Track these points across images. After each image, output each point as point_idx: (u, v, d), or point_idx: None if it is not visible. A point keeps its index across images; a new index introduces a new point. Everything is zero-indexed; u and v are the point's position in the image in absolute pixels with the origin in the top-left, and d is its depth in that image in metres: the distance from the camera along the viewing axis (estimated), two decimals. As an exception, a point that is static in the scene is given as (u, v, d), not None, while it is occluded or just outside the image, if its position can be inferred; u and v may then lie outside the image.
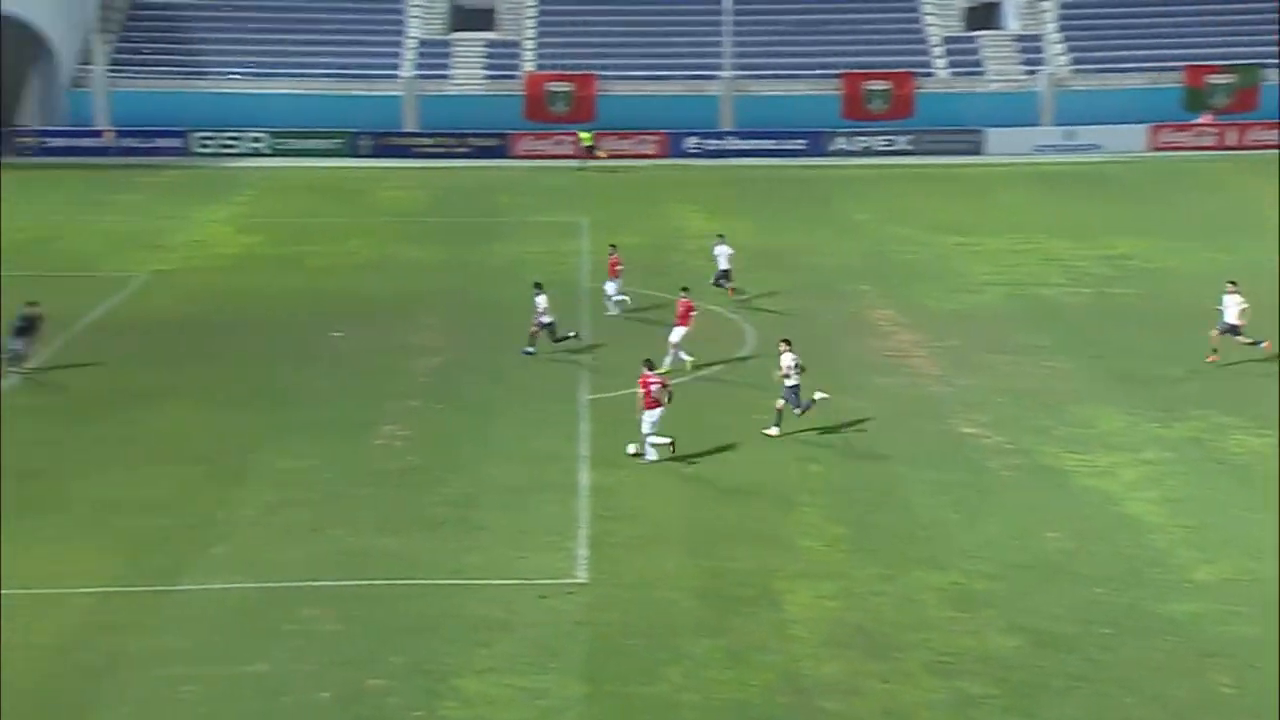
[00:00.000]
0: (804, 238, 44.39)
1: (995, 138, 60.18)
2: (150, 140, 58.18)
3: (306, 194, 51.73)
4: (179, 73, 61.08)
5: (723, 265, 35.84)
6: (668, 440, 24.73)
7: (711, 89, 62.14)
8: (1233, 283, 30.57)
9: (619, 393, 28.60)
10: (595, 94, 61.23)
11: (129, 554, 20.87)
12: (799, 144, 60.20)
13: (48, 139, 58.05)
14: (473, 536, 21.80)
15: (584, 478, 24.24)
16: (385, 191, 52.44)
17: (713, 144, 60.35)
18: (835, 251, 42.40)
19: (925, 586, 20.16)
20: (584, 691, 17.50)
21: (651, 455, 24.77)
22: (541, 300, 30.70)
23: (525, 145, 59.75)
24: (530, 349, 30.75)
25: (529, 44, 64.54)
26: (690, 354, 30.06)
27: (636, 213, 48.27)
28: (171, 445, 25.54)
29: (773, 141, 60.25)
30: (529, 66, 63.13)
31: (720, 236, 37.01)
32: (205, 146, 58.60)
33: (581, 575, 20.48)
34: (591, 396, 28.68)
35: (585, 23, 65.75)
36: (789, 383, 25.99)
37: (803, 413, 26.03)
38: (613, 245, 36.20)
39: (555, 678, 17.76)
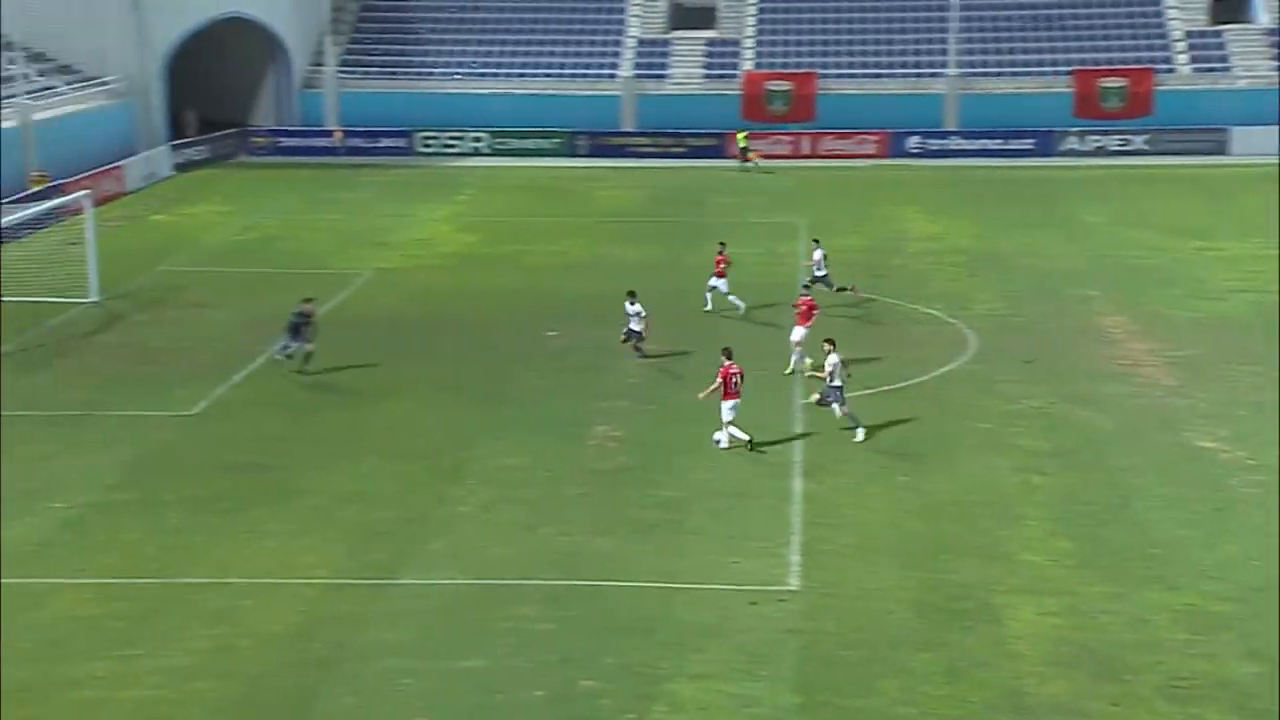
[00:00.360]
0: (1028, 240, 43.27)
1: (1241, 137, 57.68)
2: (376, 140, 60.13)
3: (524, 193, 52.74)
4: (404, 74, 63.00)
5: (819, 271, 35.34)
6: (746, 437, 25.09)
7: (935, 87, 61.11)
8: None
9: (835, 398, 28.37)
10: (815, 93, 60.85)
11: (351, 547, 21.57)
12: (1026, 144, 58.75)
13: (280, 139, 60.55)
14: (684, 540, 21.86)
15: (796, 484, 24.09)
16: (601, 191, 53.07)
17: (935, 144, 59.36)
18: (1061, 255, 41.22)
19: (1157, 607, 19.42)
20: (796, 701, 17.37)
21: (723, 443, 25.02)
22: (633, 308, 30.50)
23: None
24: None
25: (748, 42, 64.51)
26: (808, 357, 29.58)
27: (855, 214, 47.79)
28: (393, 441, 26.31)
29: (999, 141, 58.93)
30: (748, 65, 63.10)
31: (815, 241, 36.30)
32: (428, 146, 60.29)
33: (793, 583, 20.35)
34: (804, 401, 28.45)
35: (806, 20, 65.41)
36: (833, 383, 25.90)
37: (845, 414, 25.85)
38: (721, 243, 36.12)
39: (767, 686, 17.67)
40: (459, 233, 45.46)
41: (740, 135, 57.85)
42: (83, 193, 40.14)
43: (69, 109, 53.36)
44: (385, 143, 60.15)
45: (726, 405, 25.23)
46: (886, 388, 28.89)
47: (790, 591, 20.07)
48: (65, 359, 31.41)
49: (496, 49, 64.27)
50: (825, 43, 64.12)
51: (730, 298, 34.54)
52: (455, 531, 22.20)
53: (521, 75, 62.94)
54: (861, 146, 59.10)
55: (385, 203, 50.43)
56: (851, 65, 62.65)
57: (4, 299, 34.51)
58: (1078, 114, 59.62)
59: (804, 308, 29.92)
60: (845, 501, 23.31)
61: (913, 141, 59.26)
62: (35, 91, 51.77)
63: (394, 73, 63.02)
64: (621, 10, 65.92)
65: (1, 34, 53.69)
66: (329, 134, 59.57)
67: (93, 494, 23.59)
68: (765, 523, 22.45)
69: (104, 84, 55.88)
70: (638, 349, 30.47)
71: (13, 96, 49.85)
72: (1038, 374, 29.96)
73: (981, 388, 28.97)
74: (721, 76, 62.81)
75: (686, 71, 63.41)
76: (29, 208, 37.96)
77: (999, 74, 61.68)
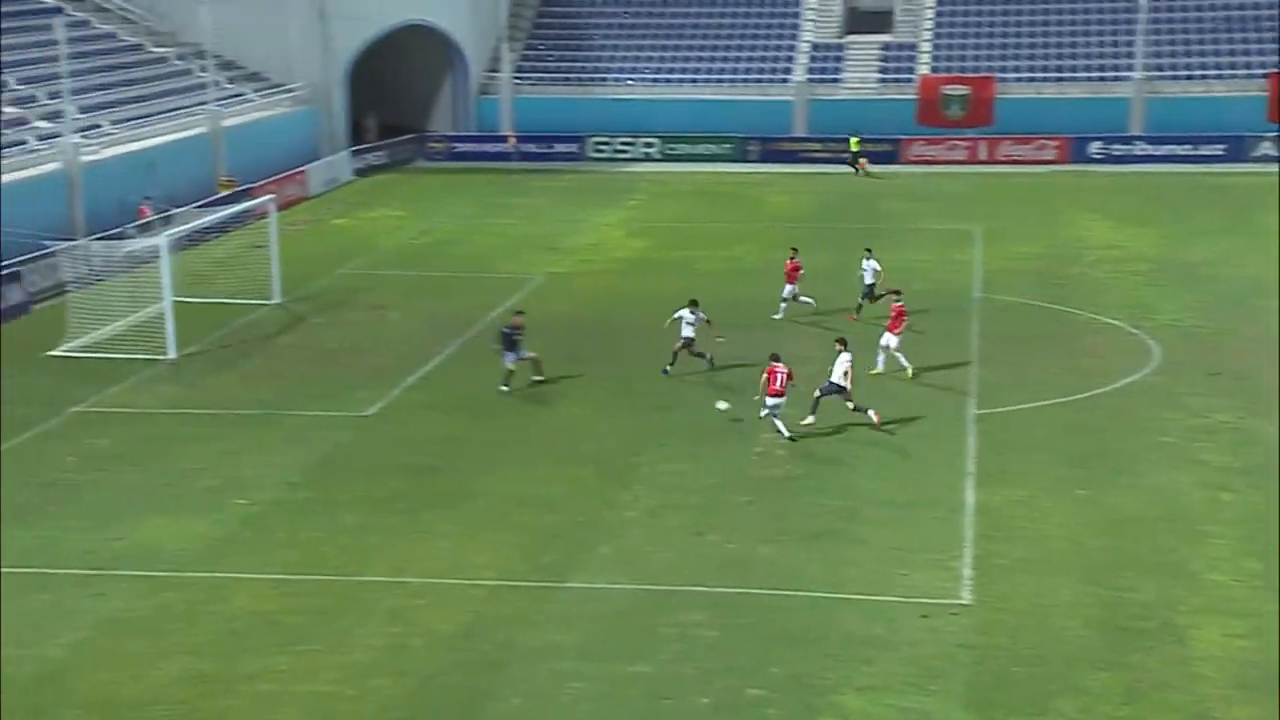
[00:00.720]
0: (1215, 249, 41.90)
1: None
2: (549, 145, 60.96)
3: (695, 199, 52.91)
4: (578, 79, 63.75)
5: (868, 280, 34.88)
6: (788, 434, 26.01)
7: (1120, 90, 59.55)
8: None
9: (1008, 408, 27.87)
10: (993, 97, 59.83)
11: (522, 549, 21.90)
12: (1217, 149, 56.87)
13: (456, 144, 61.79)
14: (853, 550, 21.70)
15: (969, 495, 23.72)
16: (773, 197, 52.98)
17: (1119, 149, 57.84)
18: (1251, 264, 39.80)
19: (1353, 635, 18.61)
20: (968, 718, 17.10)
21: (777, 423, 26.14)
22: (687, 313, 30.22)
23: (917, 150, 59.03)
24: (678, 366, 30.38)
25: (925, 46, 63.70)
26: (909, 362, 29.39)
27: (1033, 221, 46.86)
28: (564, 445, 26.64)
29: (1187, 146, 57.17)
30: (924, 69, 62.33)
31: (868, 251, 35.66)
32: (600, 151, 60.90)
33: (966, 596, 20.04)
34: (979, 412, 28.01)
35: (985, 23, 64.37)
36: (840, 381, 26.64)
37: (855, 409, 26.62)
38: (793, 249, 35.93)
39: (938, 701, 17.43)
40: (630, 238, 45.81)
41: (853, 140, 57.17)
42: (267, 197, 41.54)
43: (256, 115, 55.24)
44: (558, 148, 60.94)
45: (770, 400, 26.17)
46: (1066, 399, 28.27)
47: (962, 605, 19.77)
48: (249, 359, 32.52)
49: (669, 54, 64.63)
50: (1004, 45, 62.99)
51: (802, 299, 34.70)
52: (623, 536, 22.38)
53: (694, 81, 63.19)
54: (1041, 152, 57.89)
55: (557, 208, 51.10)
56: (1031, 69, 61.43)
57: (193, 300, 35.88)
58: (1273, 118, 57.45)
59: (894, 313, 29.84)
60: (1020, 514, 22.87)
61: (1095, 147, 57.83)
62: (225, 98, 53.74)
63: (568, 78, 63.82)
64: (796, 15, 65.69)
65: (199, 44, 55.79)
66: (503, 139, 60.60)
67: (274, 491, 24.38)
68: (936, 534, 22.15)
69: (290, 91, 57.73)
70: (701, 354, 30.18)
71: (204, 103, 51.82)
72: (1224, 387, 28.99)
73: (1165, 400, 28.15)
74: (897, 81, 62.15)
75: (861, 76, 62.89)
76: (217, 212, 39.38)
77: (1189, 77, 59.81)
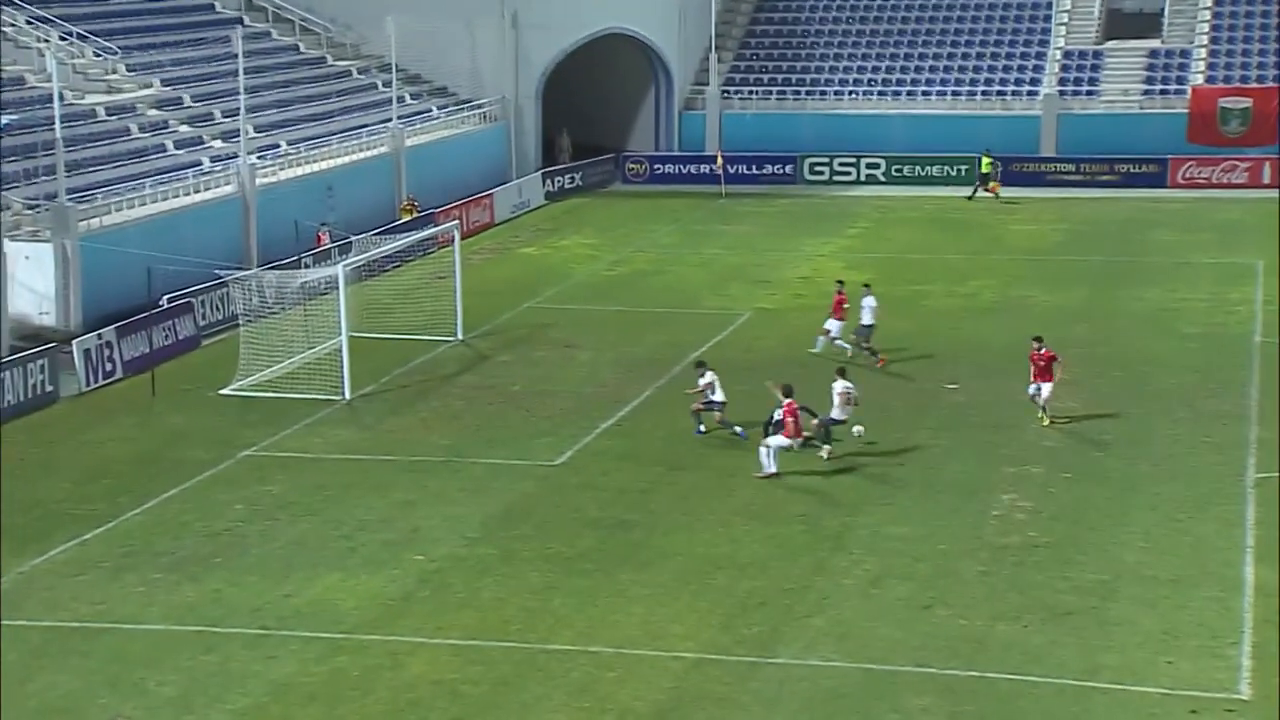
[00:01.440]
0: None
1: None
2: (760, 167, 61.20)
3: (925, 227, 52.45)
4: (794, 93, 63.84)
5: (866, 320, 34.55)
6: (773, 470, 27.18)
7: None
8: None
9: (1295, 473, 26.93)
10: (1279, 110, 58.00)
11: (723, 618, 21.91)
12: None
13: (657, 165, 62.48)
14: (1107, 632, 21.15)
15: (1248, 571, 22.95)
16: (1015, 225, 52.20)
17: None
18: None
19: None
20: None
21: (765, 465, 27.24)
22: (706, 378, 29.80)
23: (1188, 172, 57.50)
24: (700, 429, 30.05)
25: (1200, 52, 62.05)
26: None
27: (1324, 253, 45.20)
28: (771, 501, 26.60)
29: None
30: (1197, 79, 60.75)
31: (866, 286, 35.13)
32: (817, 174, 60.89)
33: (1243, 691, 19.36)
34: (1259, 476, 27.07)
35: (1271, 25, 62.42)
36: (833, 413, 28.34)
37: (822, 445, 28.14)
38: (839, 281, 35.69)
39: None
40: (849, 270, 45.57)
41: (984, 160, 56.08)
42: (451, 223, 42.60)
43: (441, 134, 56.79)
44: (770, 169, 61.14)
45: (780, 440, 27.27)
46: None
47: (1240, 701, 19.11)
48: (428, 401, 33.33)
49: (897, 64, 64.32)
50: (1291, 51, 61.04)
51: (838, 342, 34.65)
52: (838, 607, 22.23)
53: (925, 93, 62.76)
54: (1338, 173, 55.92)
55: (768, 236, 51.22)
56: (1324, 76, 59.41)
57: (370, 335, 36.97)
58: None
59: (1041, 361, 29.88)
60: (1307, 597, 22.01)
61: (1401, 167, 55.58)
62: (409, 115, 55.40)
63: (782, 92, 63.99)
64: (1046, 18, 64.70)
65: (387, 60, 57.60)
66: (710, 160, 61.07)
67: (452, 546, 24.89)
68: (1209, 617, 21.47)
69: (478, 107, 59.22)
70: (723, 422, 29.81)
71: (386, 121, 53.51)
72: None
73: None
74: (1164, 92, 60.69)
75: (1122, 87, 61.61)
76: (398, 239, 40.55)
77: None
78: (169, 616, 22.33)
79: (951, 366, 34.39)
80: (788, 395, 27.73)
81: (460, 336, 38.06)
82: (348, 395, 33.14)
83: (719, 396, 29.93)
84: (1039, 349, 30.11)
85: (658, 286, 44.17)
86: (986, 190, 56.08)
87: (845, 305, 35.20)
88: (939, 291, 42.57)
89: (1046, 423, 29.87)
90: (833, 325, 35.12)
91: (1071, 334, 36.91)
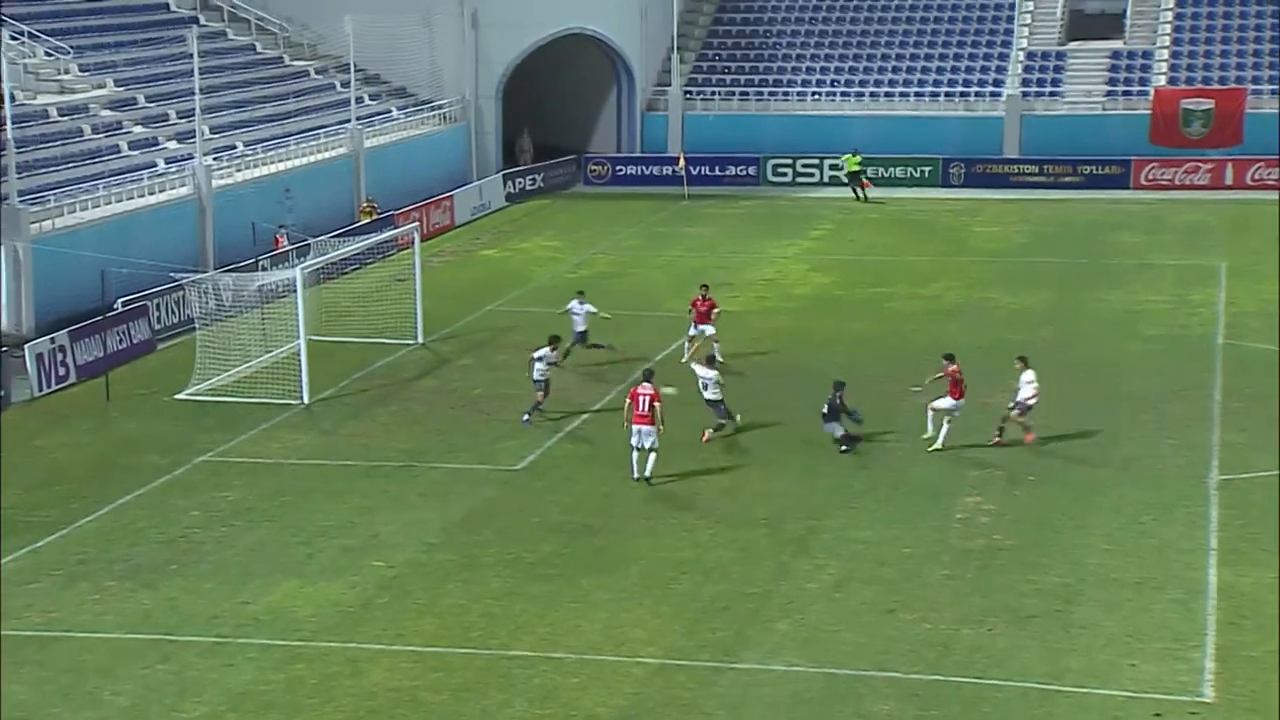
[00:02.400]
0: None
1: None
2: (722, 168, 61.31)
3: (889, 228, 52.65)
4: (756, 94, 63.96)
5: (579, 327, 34.92)
6: (638, 475, 27.41)
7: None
8: None
9: (1257, 474, 27.11)
10: (1242, 111, 58.45)
11: (688, 623, 21.95)
12: None
13: (620, 166, 62.54)
14: (1072, 635, 21.28)
15: (1211, 574, 23.15)
16: (979, 227, 52.48)
17: (1391, 170, 56.00)
18: None
19: None
20: (1204, 837, 16.61)
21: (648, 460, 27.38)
22: (543, 357, 30.75)
23: (1151, 173, 57.92)
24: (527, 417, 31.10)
25: (1162, 54, 62.51)
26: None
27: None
28: (732, 505, 26.67)
29: None
30: (1159, 80, 61.18)
31: (580, 294, 35.69)
32: (780, 175, 61.06)
33: (1207, 694, 19.51)
34: (1222, 478, 27.31)
35: (1233, 27, 62.95)
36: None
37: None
38: (704, 285, 35.90)
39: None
40: (813, 272, 45.78)
41: (850, 158, 56.93)
42: (411, 226, 42.55)
43: (401, 135, 56.69)
44: (732, 170, 61.27)
45: (639, 429, 27.17)
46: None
47: (1203, 704, 19.25)
48: (388, 405, 33.25)
49: (861, 65, 64.54)
50: (1256, 53, 61.47)
51: (685, 344, 34.87)
52: (802, 611, 22.30)
53: (888, 95, 62.99)
54: (1296, 175, 56.40)
55: (731, 238, 51.32)
56: (1287, 79, 59.92)
57: (329, 339, 36.86)
58: None
59: (951, 379, 29.19)
60: (1272, 598, 22.19)
61: (1363, 168, 56.12)
62: (368, 116, 55.27)
63: (745, 93, 64.10)
64: (1009, 19, 65.07)
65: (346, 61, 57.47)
66: (672, 161, 61.13)
67: (412, 552, 24.85)
68: (1172, 620, 21.64)
69: (437, 108, 59.14)
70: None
71: (345, 122, 53.37)
72: None
73: None
74: (1127, 94, 61.12)
75: (1085, 88, 62.01)
76: (357, 241, 40.44)
77: None
78: (124, 625, 22.21)
79: (915, 369, 34.48)
80: (647, 379, 27.85)
81: (420, 340, 38.00)
82: (306, 399, 33.03)
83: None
84: (950, 367, 29.56)
85: (620, 290, 44.15)
86: (857, 190, 56.65)
87: (711, 309, 34.93)
88: (902, 294, 42.73)
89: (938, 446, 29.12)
90: (699, 329, 34.88)
91: (1036, 336, 37.12)
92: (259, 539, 25.54)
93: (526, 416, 31.19)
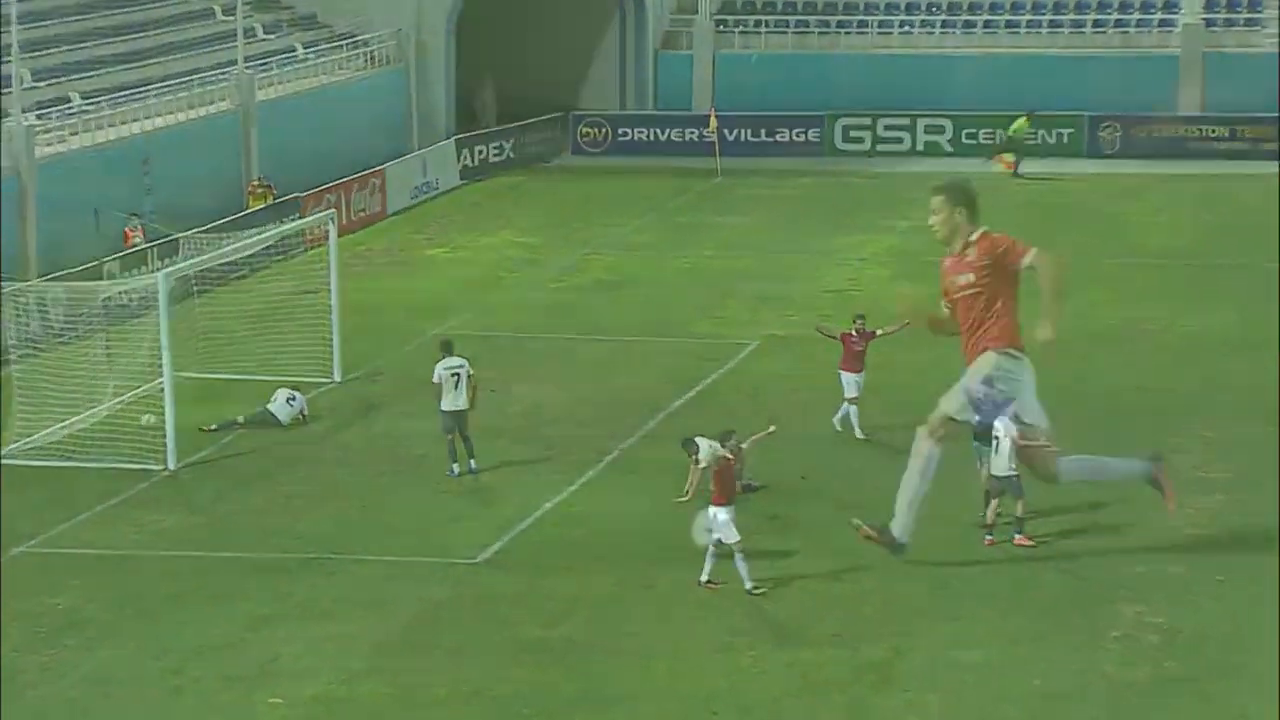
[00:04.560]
0: None
1: None
2: (772, 132, 61.48)
3: (1010, 216, 52.10)
4: (819, 25, 64.08)
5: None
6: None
7: None
8: None
9: None
10: None
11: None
12: None
13: (623, 129, 62.64)
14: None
15: None
16: (1140, 215, 52.65)
17: None
18: None
19: None
20: None
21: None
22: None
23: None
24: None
25: None
26: None
27: None
28: (783, 613, 26.63)
29: None
30: None
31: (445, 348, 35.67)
32: (855, 141, 61.23)
33: None
34: None
35: None
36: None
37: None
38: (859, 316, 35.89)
39: None
40: (896, 280, 45.77)
41: (1020, 121, 57.70)
42: (325, 214, 42.60)
43: (310, 83, 56.81)
44: (785, 136, 61.50)
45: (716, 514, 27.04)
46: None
47: None
48: (292, 470, 33.28)
49: (968, -16, 64.83)
50: None
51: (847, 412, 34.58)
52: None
53: (1009, 26, 63.17)
54: None
55: (782, 230, 51.51)
56: None
57: (208, 376, 36.90)
58: None
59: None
60: None
61: None
62: (259, 57, 55.30)
63: (805, 23, 64.28)
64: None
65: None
66: (700, 122, 61.25)
67: (326, 683, 24.75)
68: None
69: (363, 45, 59.22)
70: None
71: (229, 65, 53.40)
72: None
73: None
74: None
75: (1292, 17, 62.26)
76: (246, 236, 40.47)
77: None
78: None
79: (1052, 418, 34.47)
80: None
81: (338, 378, 38.10)
82: (172, 464, 33.07)
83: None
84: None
85: (625, 304, 44.26)
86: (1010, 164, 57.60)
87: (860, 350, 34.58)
88: (1028, 310, 42.64)
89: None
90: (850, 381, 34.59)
91: (1222, 372, 37.07)
92: (103, 665, 25.49)
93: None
